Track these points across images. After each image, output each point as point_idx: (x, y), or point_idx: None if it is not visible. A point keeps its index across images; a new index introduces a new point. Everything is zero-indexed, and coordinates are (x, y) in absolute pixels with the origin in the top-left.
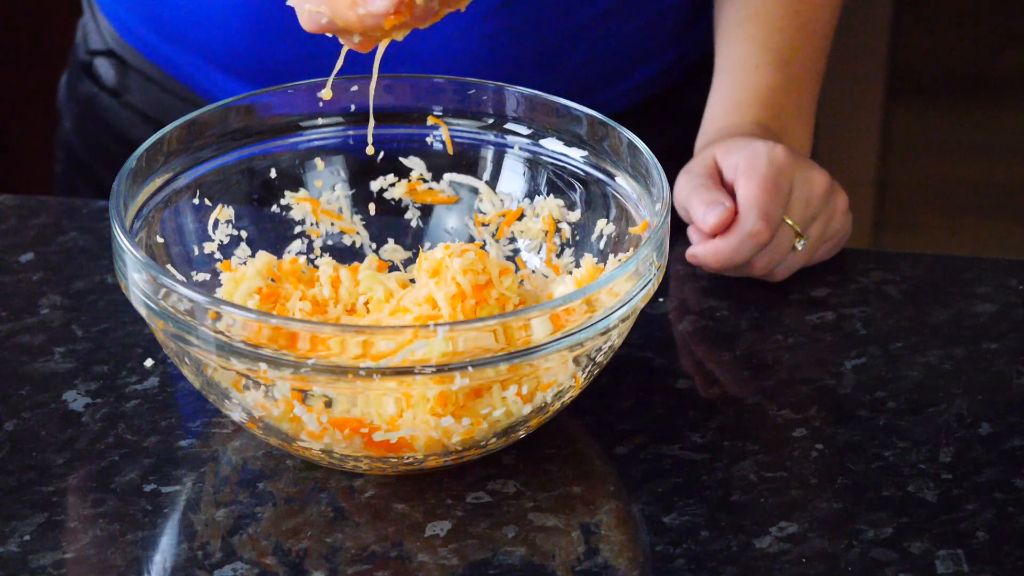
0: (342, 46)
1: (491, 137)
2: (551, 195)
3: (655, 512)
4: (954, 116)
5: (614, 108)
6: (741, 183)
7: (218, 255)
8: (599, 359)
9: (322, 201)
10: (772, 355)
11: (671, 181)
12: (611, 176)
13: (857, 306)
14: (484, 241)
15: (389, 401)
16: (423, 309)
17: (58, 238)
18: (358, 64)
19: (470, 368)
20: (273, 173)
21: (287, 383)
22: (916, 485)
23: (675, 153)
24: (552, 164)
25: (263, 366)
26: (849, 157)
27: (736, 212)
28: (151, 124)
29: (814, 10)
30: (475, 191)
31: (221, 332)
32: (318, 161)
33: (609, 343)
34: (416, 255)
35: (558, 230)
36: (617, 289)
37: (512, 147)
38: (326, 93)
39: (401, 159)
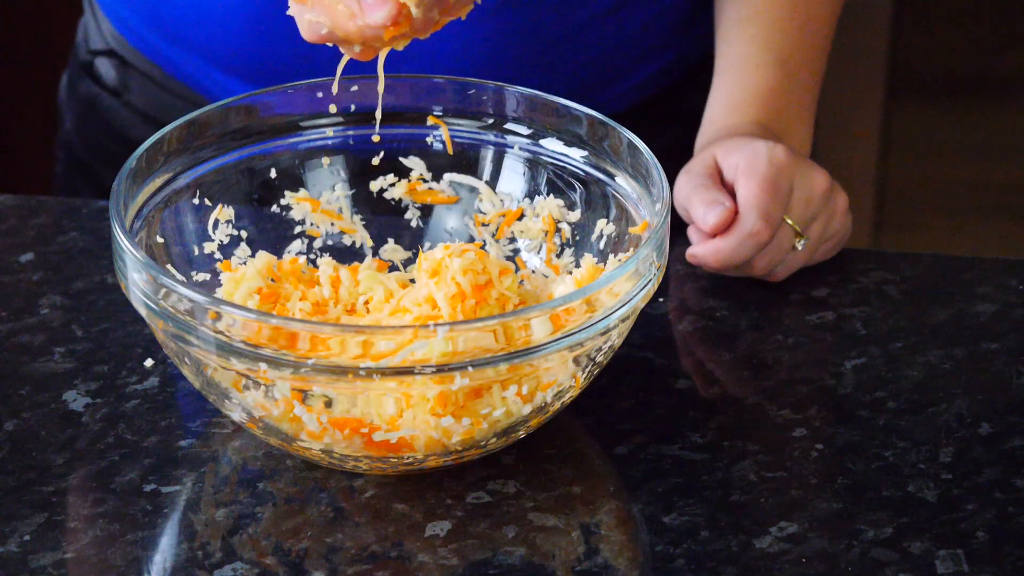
0: None
1: (491, 137)
2: (551, 195)
3: (655, 512)
4: (954, 116)
5: (614, 108)
6: (741, 183)
7: (218, 255)
8: (599, 359)
9: (322, 201)
10: (772, 355)
11: (671, 181)
12: (611, 176)
13: (857, 306)
14: (484, 241)
15: (389, 401)
16: (423, 309)
17: (58, 238)
18: (359, 65)
19: (470, 368)
20: (273, 173)
21: (287, 383)
22: (916, 485)
23: (675, 153)
24: (552, 164)
25: (263, 366)
26: (849, 157)
27: (736, 212)
28: (152, 124)
29: (814, 10)
30: (475, 191)
31: (221, 332)
32: (321, 160)
33: (609, 343)
34: (416, 255)
35: (558, 230)
36: (617, 289)
37: (512, 147)
38: (334, 87)
39: (401, 159)
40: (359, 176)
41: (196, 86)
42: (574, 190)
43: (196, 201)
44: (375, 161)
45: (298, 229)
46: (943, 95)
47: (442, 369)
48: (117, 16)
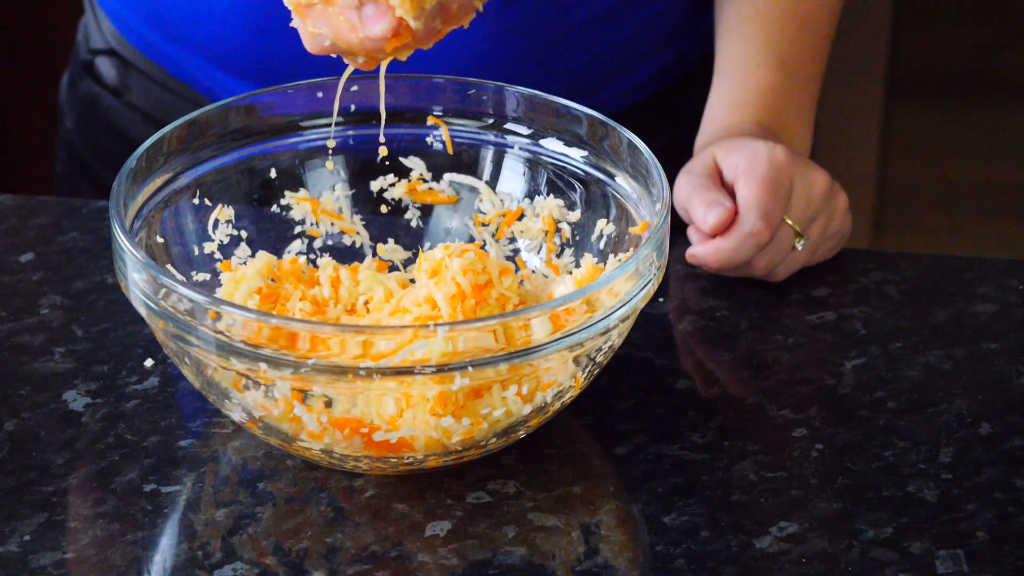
0: None
1: (491, 137)
2: (551, 195)
3: (655, 512)
4: (954, 116)
5: (614, 108)
6: (741, 183)
7: (218, 255)
8: (599, 359)
9: (322, 201)
10: (772, 355)
11: (671, 181)
12: (611, 176)
13: (857, 306)
14: (484, 241)
15: (389, 401)
16: (423, 309)
17: (58, 238)
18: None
19: (470, 368)
20: (273, 173)
21: (287, 383)
22: (916, 485)
23: (675, 153)
24: (552, 164)
25: (263, 366)
26: (849, 157)
27: (736, 212)
28: (152, 123)
29: (814, 10)
30: (475, 191)
31: (221, 332)
32: (321, 160)
33: (609, 343)
34: (416, 255)
35: (558, 230)
36: (617, 289)
37: (512, 147)
38: (335, 105)
39: (401, 159)
40: (359, 176)
41: (196, 85)
42: (574, 190)
43: (196, 201)
44: (381, 149)
45: (298, 229)
46: (943, 95)
47: (442, 369)
48: (117, 15)
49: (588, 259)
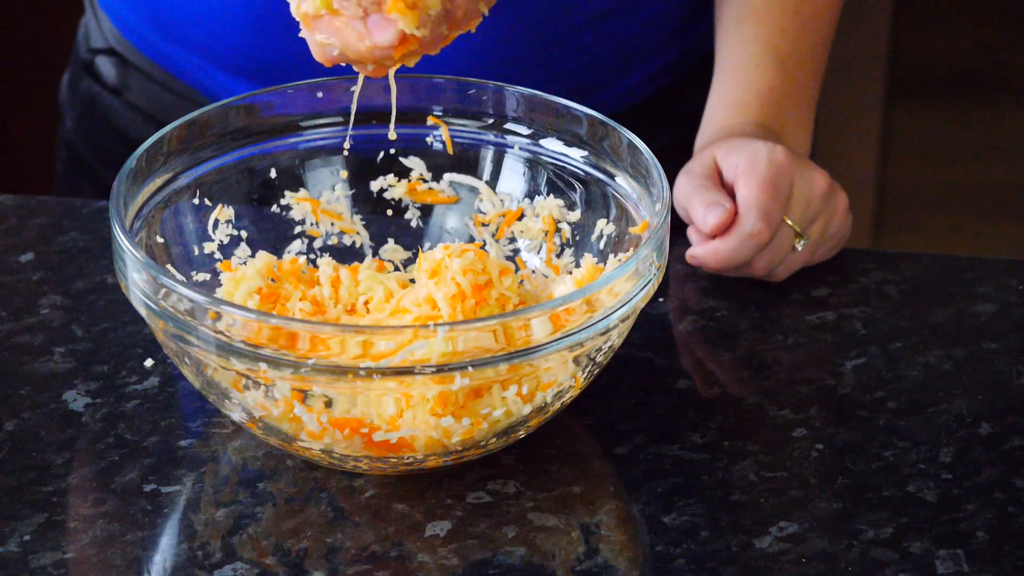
0: None
1: (491, 137)
2: (551, 195)
3: (655, 512)
4: (954, 116)
5: (614, 108)
6: (741, 184)
7: (218, 255)
8: (599, 359)
9: (322, 201)
10: (772, 355)
11: (671, 181)
12: (611, 176)
13: (857, 306)
14: (484, 241)
15: (389, 401)
16: (423, 309)
17: (58, 238)
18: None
19: (470, 368)
20: (273, 173)
21: (287, 383)
22: (916, 485)
23: (675, 153)
24: (552, 164)
25: (263, 366)
26: (849, 157)
27: (736, 213)
28: (152, 123)
29: (814, 10)
30: (475, 191)
31: (221, 332)
32: (321, 160)
33: (609, 343)
34: (416, 255)
35: (558, 230)
36: (617, 289)
37: (512, 147)
38: (346, 145)
39: (401, 159)
40: (359, 176)
41: (196, 85)
42: (574, 190)
43: (196, 201)
44: (392, 140)
45: (298, 229)
46: (943, 95)
47: (442, 369)
48: (117, 15)
49: (588, 259)
